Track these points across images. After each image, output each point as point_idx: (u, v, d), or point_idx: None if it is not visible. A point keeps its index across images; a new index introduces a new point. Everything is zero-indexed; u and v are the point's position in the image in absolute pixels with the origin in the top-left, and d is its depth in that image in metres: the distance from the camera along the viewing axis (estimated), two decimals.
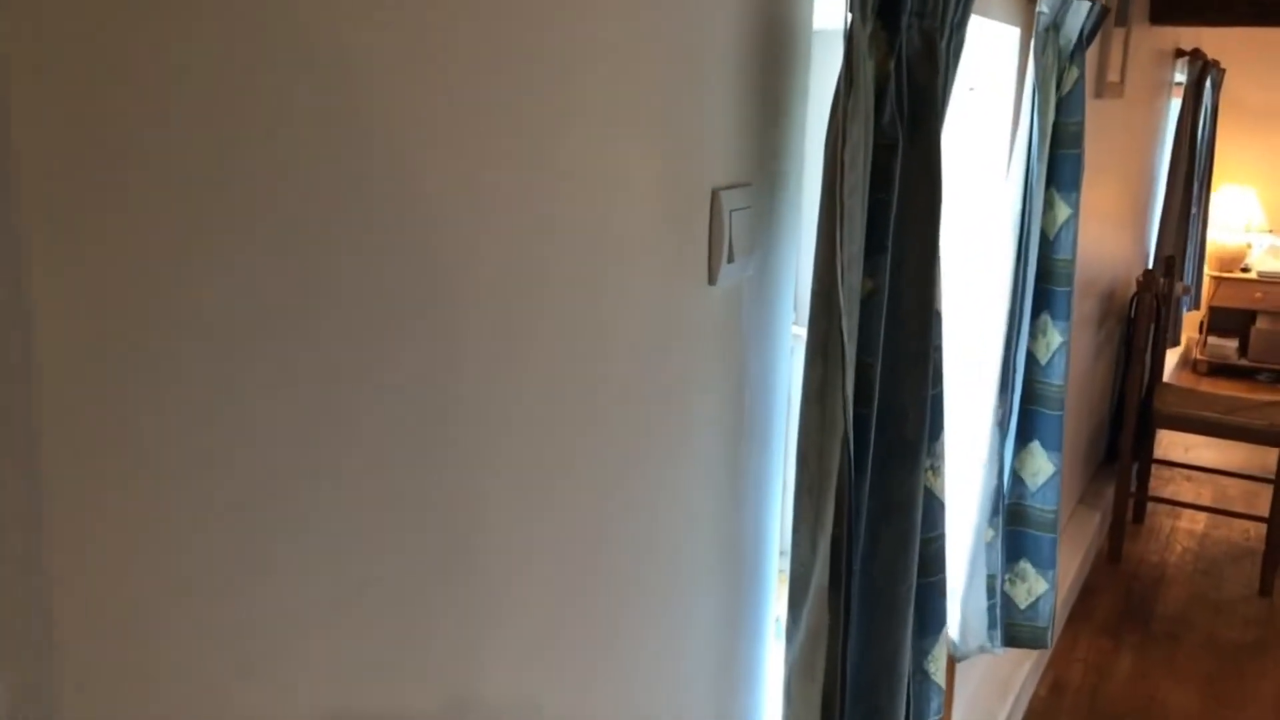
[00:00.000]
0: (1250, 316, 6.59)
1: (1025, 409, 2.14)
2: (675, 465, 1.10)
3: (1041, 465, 2.14)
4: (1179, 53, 4.86)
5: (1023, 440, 2.16)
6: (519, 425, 0.85)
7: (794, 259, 1.32)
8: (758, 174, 1.17)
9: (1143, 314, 3.61)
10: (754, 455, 1.28)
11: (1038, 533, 2.17)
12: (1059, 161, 2.03)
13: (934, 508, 1.40)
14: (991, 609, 2.14)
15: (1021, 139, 1.97)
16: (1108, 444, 4.12)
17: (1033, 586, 2.20)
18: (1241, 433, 3.57)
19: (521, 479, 0.86)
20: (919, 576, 1.38)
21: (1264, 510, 4.19)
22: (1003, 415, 2.06)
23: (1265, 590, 3.53)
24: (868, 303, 1.25)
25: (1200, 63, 4.88)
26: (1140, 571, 3.68)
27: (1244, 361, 6.51)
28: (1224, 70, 5.66)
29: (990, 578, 2.11)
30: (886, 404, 1.29)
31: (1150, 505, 4.17)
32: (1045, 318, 2.09)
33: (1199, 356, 6.61)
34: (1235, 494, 4.43)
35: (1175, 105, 5.15)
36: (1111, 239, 3.76)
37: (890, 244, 1.24)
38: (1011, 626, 2.24)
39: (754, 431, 1.27)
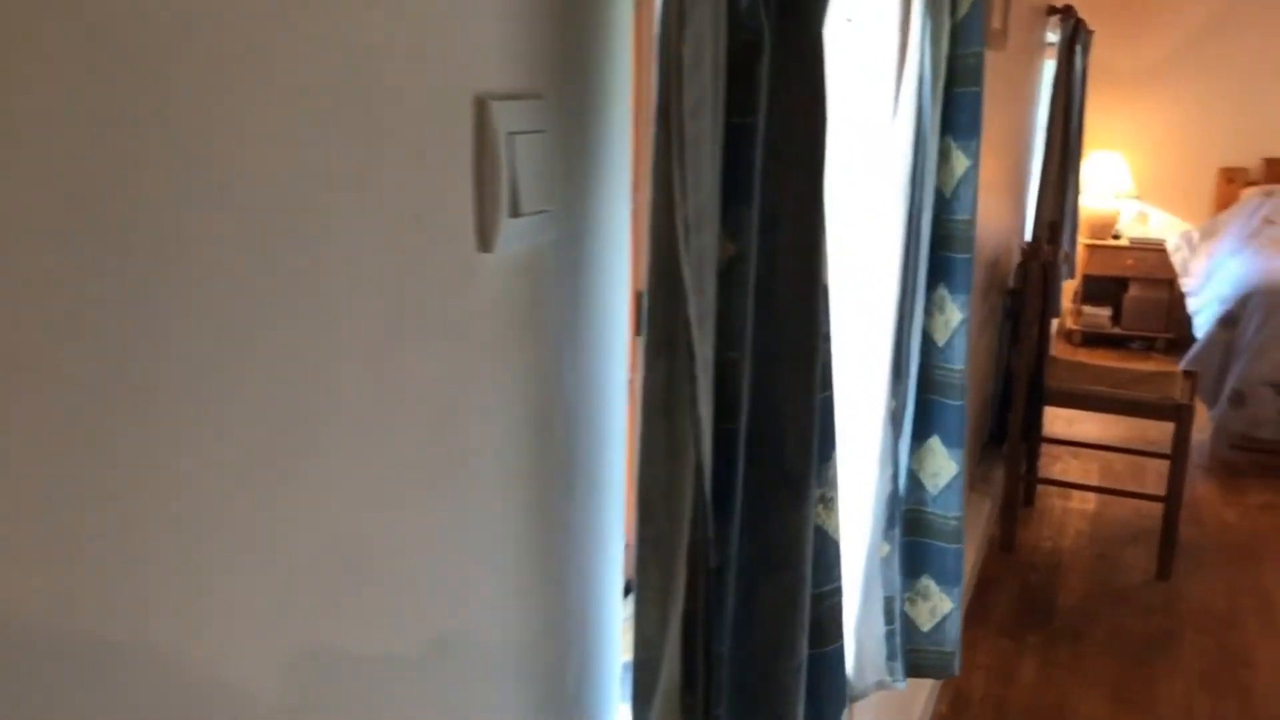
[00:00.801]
0: (1122, 284, 6.54)
1: (922, 399, 1.81)
2: (434, 531, 0.70)
3: (943, 465, 1.82)
4: (1051, 9, 4.67)
5: (920, 436, 1.83)
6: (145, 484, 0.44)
7: (625, 211, 0.94)
8: (556, 80, 0.77)
9: (1030, 284, 3.37)
10: (577, 500, 0.89)
11: (941, 543, 1.85)
12: (955, 103, 1.70)
13: (828, 553, 1.04)
14: (890, 636, 1.81)
15: (911, 76, 1.63)
16: (993, 423, 3.88)
17: (936, 605, 1.88)
18: (1135, 407, 3.36)
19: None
20: (811, 647, 1.02)
21: (1152, 486, 4.03)
22: (897, 408, 1.72)
23: (1164, 574, 3.33)
24: (728, 275, 0.87)
25: (1072, 21, 4.69)
26: (1035, 560, 3.45)
27: (1117, 330, 6.45)
28: (1092, 32, 5.53)
29: (888, 600, 1.78)
30: (759, 416, 0.92)
31: (1040, 486, 3.96)
32: (942, 291, 1.76)
33: (1073, 326, 6.53)
34: (1122, 469, 4.27)
35: (1049, 68, 4.98)
36: (994, 204, 3.50)
37: (758, 189, 0.86)
38: (914, 653, 1.91)
39: (574, 466, 0.88)
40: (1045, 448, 4.45)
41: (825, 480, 1.00)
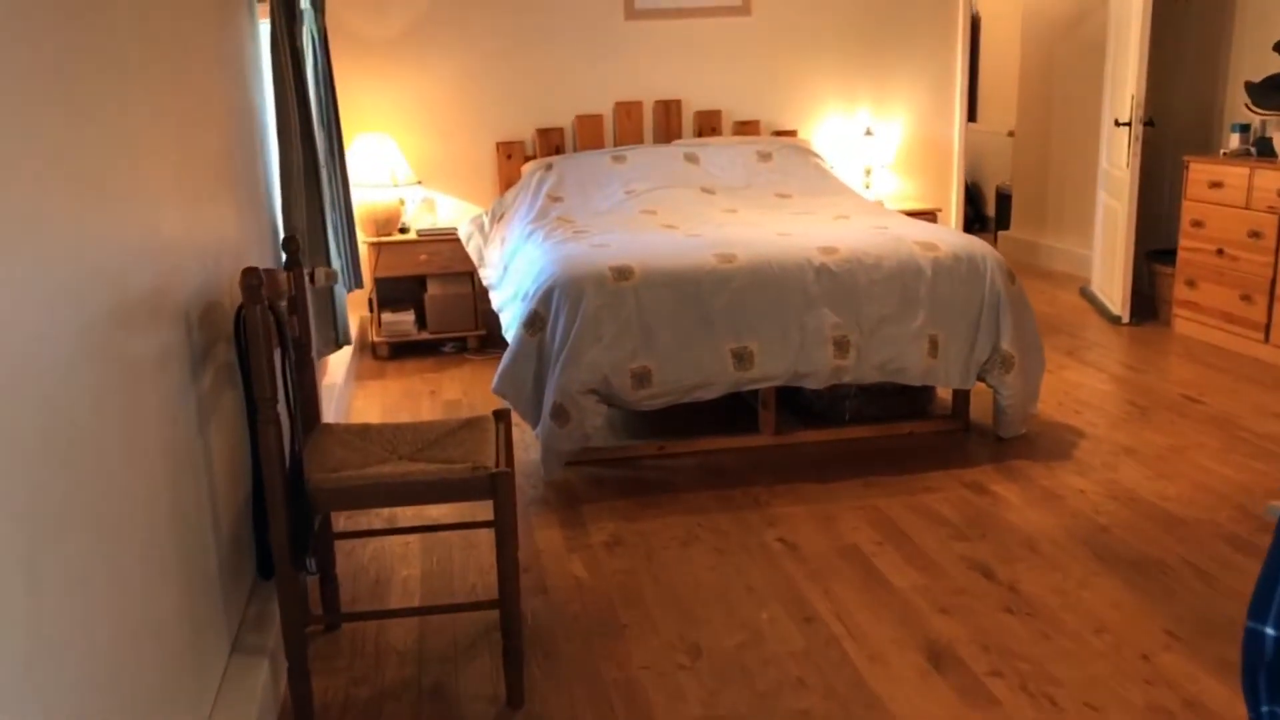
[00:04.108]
0: (421, 283, 5.75)
1: None
2: None
3: None
4: None
5: None
6: None
7: None
8: None
9: (256, 338, 2.19)
10: None
11: None
12: None
13: None
14: None
15: None
16: (259, 554, 2.64)
17: None
18: (438, 491, 2.37)
19: None
20: None
21: (490, 560, 3.17)
22: None
23: (515, 699, 2.42)
24: None
25: None
26: None
27: (425, 335, 5.65)
28: None
29: None
30: None
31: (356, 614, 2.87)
32: None
33: (377, 339, 5.60)
34: (456, 542, 3.35)
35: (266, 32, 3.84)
36: (191, 218, 2.26)
37: None
38: None
39: None
40: (348, 544, 3.39)
41: None
